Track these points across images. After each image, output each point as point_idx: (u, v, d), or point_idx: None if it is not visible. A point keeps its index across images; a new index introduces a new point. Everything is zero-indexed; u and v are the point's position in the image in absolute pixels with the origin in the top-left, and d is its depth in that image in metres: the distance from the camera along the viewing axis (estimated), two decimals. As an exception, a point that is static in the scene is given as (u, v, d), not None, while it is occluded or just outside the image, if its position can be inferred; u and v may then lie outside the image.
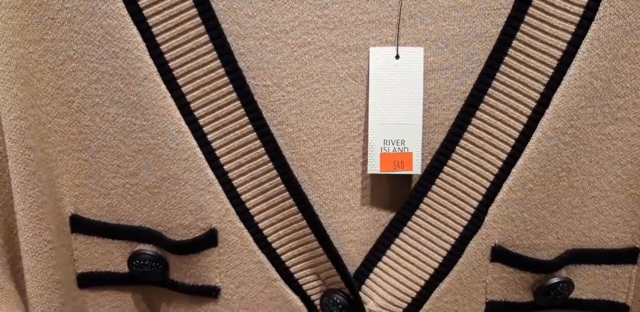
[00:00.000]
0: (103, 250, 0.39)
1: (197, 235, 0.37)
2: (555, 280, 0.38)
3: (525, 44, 0.34)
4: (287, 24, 0.35)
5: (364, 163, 0.38)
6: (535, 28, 0.34)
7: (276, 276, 0.38)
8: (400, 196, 0.38)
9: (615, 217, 0.38)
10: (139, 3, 0.33)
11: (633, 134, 0.36)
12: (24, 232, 0.34)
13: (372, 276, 0.38)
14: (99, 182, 0.37)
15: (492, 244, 0.38)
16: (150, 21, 0.33)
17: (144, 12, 0.33)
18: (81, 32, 0.34)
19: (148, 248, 0.38)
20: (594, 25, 0.33)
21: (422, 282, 0.38)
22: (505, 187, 0.36)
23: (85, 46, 0.34)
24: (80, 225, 0.37)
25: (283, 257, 0.38)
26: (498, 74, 0.35)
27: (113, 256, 0.39)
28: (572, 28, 0.34)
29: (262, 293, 0.38)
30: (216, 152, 0.35)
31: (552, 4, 0.33)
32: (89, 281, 0.38)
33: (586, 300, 0.40)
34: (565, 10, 0.33)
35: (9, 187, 0.34)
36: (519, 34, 0.34)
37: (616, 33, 0.34)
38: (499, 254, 0.38)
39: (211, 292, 0.38)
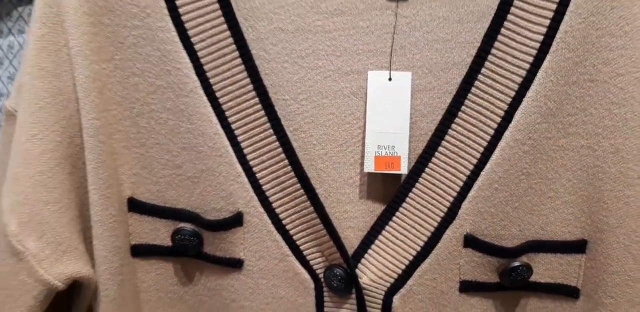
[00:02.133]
0: (152, 227, 0.46)
1: (226, 216, 0.44)
2: (516, 264, 0.43)
3: (492, 71, 0.41)
4: (302, 51, 0.42)
5: (362, 164, 0.44)
6: (501, 58, 0.40)
7: (288, 252, 0.44)
8: (390, 191, 0.44)
9: (567, 214, 0.43)
10: (188, 33, 0.41)
11: (582, 146, 0.42)
12: (94, 207, 0.42)
13: (366, 255, 0.44)
14: (151, 172, 0.45)
15: (465, 233, 0.43)
16: (197, 47, 0.41)
17: (192, 40, 0.41)
18: (143, 54, 0.42)
19: (188, 226, 0.45)
20: (548, 57, 0.40)
21: (407, 262, 0.43)
22: (475, 186, 0.42)
23: (145, 65, 0.42)
24: (135, 205, 0.45)
25: (294, 237, 0.44)
26: (470, 94, 0.41)
27: (159, 232, 0.46)
28: (530, 59, 0.40)
29: (277, 266, 0.45)
30: (244, 150, 0.43)
31: (513, 40, 0.40)
32: (140, 251, 0.46)
33: (544, 283, 0.44)
34: (524, 44, 0.40)
35: (84, 172, 0.42)
36: (487, 62, 0.41)
37: (567, 64, 0.40)
38: (470, 241, 0.43)
39: (236, 264, 0.45)
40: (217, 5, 0.40)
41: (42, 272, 0.40)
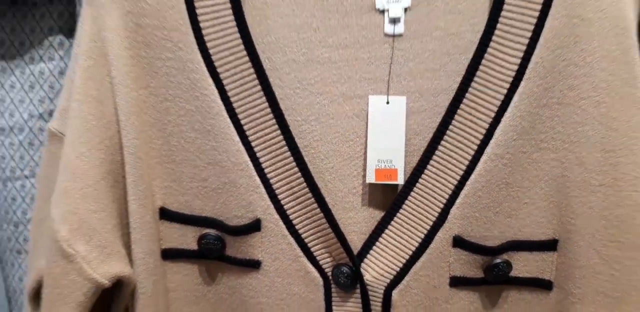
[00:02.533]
0: (180, 233, 0.51)
1: (246, 223, 0.49)
2: (497, 261, 0.49)
3: (475, 95, 0.47)
4: (312, 79, 0.48)
5: (364, 176, 0.50)
6: (482, 85, 0.47)
7: (300, 253, 0.49)
8: (389, 199, 0.50)
9: (540, 217, 0.49)
10: (215, 64, 0.47)
11: (552, 159, 0.48)
12: (133, 215, 0.47)
13: (368, 255, 0.50)
14: (180, 184, 0.50)
15: (453, 235, 0.49)
16: (222, 76, 0.47)
17: (218, 69, 0.47)
18: (174, 82, 0.48)
19: (212, 231, 0.50)
20: (522, 84, 0.46)
21: (404, 261, 0.49)
22: (462, 194, 0.48)
23: (176, 91, 0.48)
24: (165, 214, 0.50)
25: (306, 240, 0.49)
26: (456, 116, 0.47)
27: (187, 237, 0.51)
28: (507, 85, 0.46)
29: (290, 266, 0.50)
30: (262, 164, 0.48)
31: (493, 69, 0.46)
32: (169, 254, 0.51)
33: (522, 277, 0.50)
34: (502, 73, 0.46)
35: (123, 184, 0.47)
36: (470, 89, 0.47)
37: (538, 89, 0.46)
38: (458, 242, 0.49)
39: (255, 265, 0.50)
40: (240, 41, 0.46)
41: (91, 272, 0.45)
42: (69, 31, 0.62)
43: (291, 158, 0.48)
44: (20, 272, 0.65)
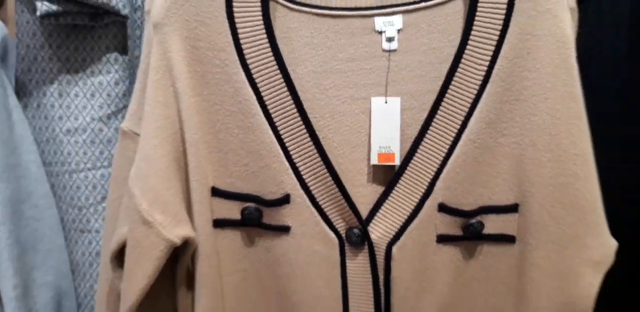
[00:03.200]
0: (227, 206, 0.61)
1: (279, 197, 0.60)
2: (473, 221, 0.60)
3: (452, 95, 0.59)
4: (327, 85, 0.61)
5: (369, 159, 0.61)
6: (458, 88, 0.59)
7: (321, 220, 0.60)
8: (388, 177, 0.61)
9: (505, 187, 0.60)
10: (253, 76, 0.59)
11: (512, 142, 0.60)
12: (194, 192, 0.59)
13: (373, 220, 0.61)
14: (226, 169, 0.61)
15: (438, 202, 0.60)
16: (259, 85, 0.59)
17: (256, 80, 0.59)
18: (222, 90, 0.60)
19: (252, 205, 0.61)
20: (488, 86, 0.58)
21: (401, 224, 0.60)
22: (444, 171, 0.59)
23: (224, 98, 0.60)
24: (216, 192, 0.61)
25: (325, 210, 0.60)
26: (439, 111, 0.60)
27: (232, 210, 0.61)
28: (477, 87, 0.58)
29: (313, 230, 0.61)
30: (290, 152, 0.60)
31: (466, 75, 0.59)
32: (219, 223, 0.62)
33: (492, 234, 0.61)
34: (473, 78, 0.58)
35: (186, 169, 0.59)
36: (449, 90, 0.59)
37: (500, 89, 0.59)
38: (442, 208, 0.60)
39: (285, 229, 0.61)
40: (272, 58, 0.59)
41: (166, 234, 0.57)
42: (122, 49, 0.74)
43: (313, 147, 0.60)
44: (83, 248, 0.77)
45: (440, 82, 0.60)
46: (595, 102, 0.64)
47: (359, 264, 0.62)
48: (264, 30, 0.59)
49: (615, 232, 0.61)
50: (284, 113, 0.60)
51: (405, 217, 0.61)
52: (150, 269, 0.56)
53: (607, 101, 0.73)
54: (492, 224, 0.62)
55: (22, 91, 0.76)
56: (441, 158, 0.60)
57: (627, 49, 0.72)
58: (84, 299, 0.78)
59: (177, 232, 0.57)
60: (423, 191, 0.61)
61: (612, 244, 0.60)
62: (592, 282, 0.59)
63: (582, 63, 0.60)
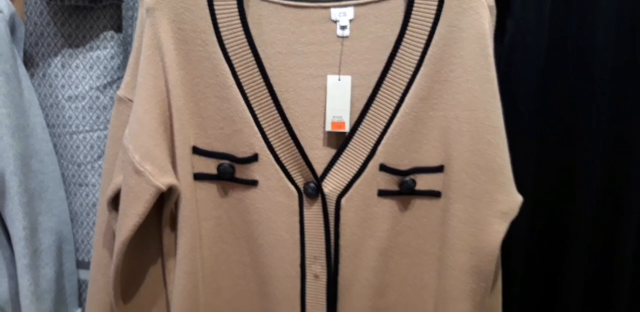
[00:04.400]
0: (205, 163, 0.71)
1: (249, 156, 0.70)
2: (407, 179, 0.71)
3: (392, 76, 0.70)
4: (291, 64, 0.71)
5: (324, 127, 0.72)
6: (397, 69, 0.70)
7: (283, 176, 0.71)
8: (340, 142, 0.72)
9: (434, 152, 0.71)
10: (229, 54, 0.69)
11: (440, 116, 0.70)
12: (177, 148, 0.69)
13: (326, 177, 0.71)
14: (205, 132, 0.71)
15: (380, 163, 0.71)
16: (234, 62, 0.69)
17: (231, 58, 0.69)
18: (202, 65, 0.70)
19: (226, 162, 0.71)
20: (421, 69, 0.69)
21: (348, 180, 0.71)
22: (384, 138, 0.70)
23: (204, 72, 0.70)
24: (196, 150, 0.71)
25: (287, 167, 0.71)
26: (381, 88, 0.70)
27: (209, 166, 0.71)
28: (412, 69, 0.69)
29: (277, 184, 0.71)
30: (259, 118, 0.69)
31: (403, 59, 0.69)
32: (198, 177, 0.72)
33: (422, 190, 0.72)
34: (409, 62, 0.69)
35: (171, 130, 0.69)
36: (390, 71, 0.70)
37: (432, 71, 0.69)
38: (383, 168, 0.71)
39: (254, 183, 0.71)
40: (245, 40, 0.69)
41: (154, 181, 0.67)
42: (117, 28, 0.84)
43: (277, 115, 0.71)
44: (81, 200, 0.88)
45: (383, 65, 0.71)
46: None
47: (314, 213, 0.73)
48: (238, 16, 0.69)
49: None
50: (254, 86, 0.71)
51: (353, 174, 0.73)
52: (140, 210, 0.68)
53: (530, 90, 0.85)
54: (423, 182, 0.73)
55: (29, 62, 0.85)
56: (382, 127, 0.72)
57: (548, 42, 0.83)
58: (81, 244, 0.89)
59: (164, 180, 0.69)
60: (367, 153, 0.72)
61: (518, 199, 0.72)
62: (498, 230, 0.70)
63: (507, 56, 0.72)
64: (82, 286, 0.89)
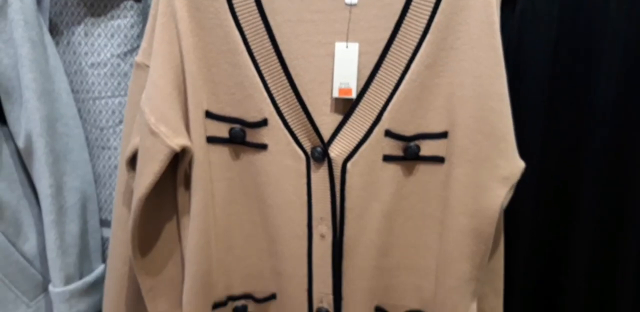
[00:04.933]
0: (217, 126, 0.74)
1: (259, 120, 0.73)
2: (411, 145, 0.73)
3: (399, 43, 0.72)
4: (300, 32, 0.73)
5: (332, 93, 0.74)
6: (403, 36, 0.71)
7: (292, 140, 0.73)
8: (347, 108, 0.73)
9: (439, 119, 0.72)
10: (240, 22, 0.71)
11: (446, 82, 0.71)
12: (191, 112, 0.72)
13: (334, 142, 0.73)
14: (217, 97, 0.74)
15: (385, 129, 0.72)
16: (244, 29, 0.71)
17: (242, 25, 0.71)
18: (215, 32, 0.72)
19: (237, 126, 0.74)
20: (428, 36, 0.70)
21: (355, 145, 0.73)
22: (390, 104, 0.72)
23: (216, 39, 0.73)
24: (209, 114, 0.74)
25: (295, 132, 0.73)
26: (387, 56, 0.72)
27: (222, 130, 0.74)
28: (418, 36, 0.70)
29: (285, 147, 0.74)
30: (268, 85, 0.72)
31: (410, 27, 0.71)
32: (211, 140, 0.74)
33: (426, 155, 0.73)
34: (415, 29, 0.70)
35: (185, 94, 0.72)
36: (396, 39, 0.71)
37: (438, 39, 0.70)
38: (388, 133, 0.73)
39: (264, 147, 0.74)
40: (256, 8, 0.71)
41: (169, 142, 0.70)
42: (137, -3, 0.88)
43: (286, 81, 0.73)
44: (104, 162, 0.93)
45: (389, 32, 0.72)
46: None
47: (320, 176, 0.76)
48: (249, -15, 0.72)
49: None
50: (263, 53, 0.73)
51: (359, 139, 0.74)
52: (156, 169, 0.71)
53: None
54: (427, 148, 0.75)
55: (54, 31, 0.89)
56: (388, 93, 0.74)
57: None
58: (104, 204, 0.94)
59: (177, 141, 0.72)
60: (373, 119, 0.74)
61: (520, 165, 0.73)
62: (499, 194, 0.72)
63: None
64: (105, 243, 0.94)
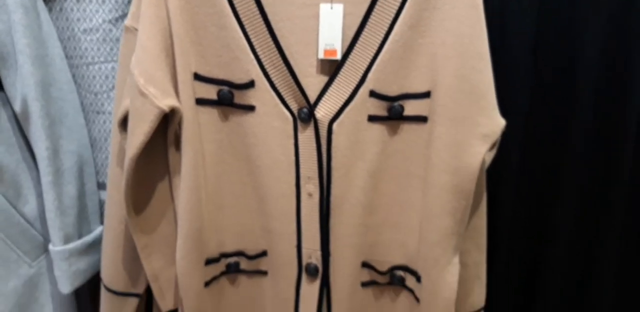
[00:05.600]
0: (206, 88, 0.76)
1: (246, 82, 0.75)
2: (395, 105, 0.74)
3: (382, 4, 0.72)
4: None
5: (317, 54, 0.75)
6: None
7: (279, 101, 0.75)
8: (332, 69, 0.75)
9: (422, 79, 0.73)
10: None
11: (428, 42, 0.72)
12: (179, 74, 0.73)
13: (319, 103, 0.75)
14: (205, 59, 0.76)
15: (369, 89, 0.74)
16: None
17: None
18: (205, 5, 0.74)
19: (225, 88, 0.76)
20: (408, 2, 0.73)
21: (340, 105, 0.74)
22: (375, 64, 0.73)
23: (202, 1, 0.73)
24: (197, 77, 0.76)
25: (282, 93, 0.75)
26: (371, 17, 0.73)
27: (210, 92, 0.76)
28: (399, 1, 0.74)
29: (273, 109, 0.75)
30: (255, 47, 0.73)
31: None
32: (200, 101, 0.76)
33: (410, 115, 0.75)
34: None
35: (173, 55, 0.74)
36: (379, 1, 0.75)
37: (417, 5, 0.73)
38: (373, 94, 0.74)
39: (251, 108, 0.76)
40: None
41: (158, 103, 0.72)
42: (127, -36, 0.89)
43: (272, 43, 0.74)
44: (99, 127, 0.95)
45: None
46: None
47: (307, 137, 0.78)
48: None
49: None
50: (249, 15, 0.74)
51: (344, 100, 0.76)
52: (146, 129, 0.73)
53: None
54: (411, 108, 0.76)
55: (46, -3, 0.91)
56: (372, 54, 0.75)
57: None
58: (101, 167, 0.96)
59: (166, 102, 0.74)
60: (358, 80, 0.75)
61: (500, 122, 0.74)
62: (479, 151, 0.73)
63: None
64: (103, 206, 0.97)
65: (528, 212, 0.91)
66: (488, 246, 0.84)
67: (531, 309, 0.93)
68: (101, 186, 0.97)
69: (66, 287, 0.90)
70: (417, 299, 0.82)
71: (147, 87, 0.73)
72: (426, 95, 0.76)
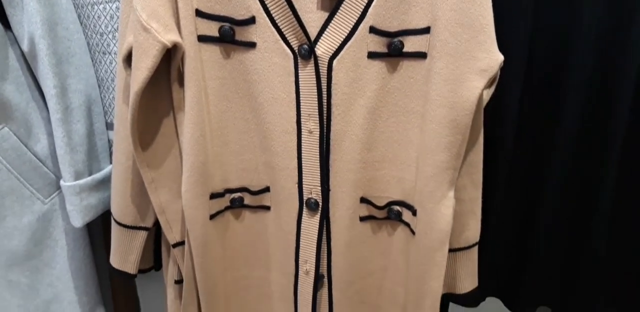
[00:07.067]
0: (208, 25, 0.76)
1: (247, 18, 0.75)
2: (395, 41, 0.74)
3: None
4: None
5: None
6: None
7: (279, 38, 0.75)
8: (333, 5, 0.75)
9: (422, 14, 0.72)
10: None
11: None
12: (181, 10, 0.74)
13: (320, 39, 0.75)
14: None
15: (369, 25, 0.74)
16: None
17: None
18: None
19: (227, 25, 0.75)
20: None
21: (340, 42, 0.75)
22: (375, 0, 0.75)
23: None
24: (199, 13, 0.75)
25: (282, 30, 0.75)
26: None
27: (212, 28, 0.76)
28: None
29: (274, 45, 0.76)
30: None
31: None
32: (202, 38, 0.77)
33: (410, 51, 0.75)
34: None
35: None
36: None
37: None
38: (372, 30, 0.75)
39: (252, 45, 0.77)
40: None
41: (160, 38, 0.72)
42: None
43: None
44: (105, 67, 0.96)
45: None
46: None
47: (308, 73, 0.79)
48: None
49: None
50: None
51: (344, 37, 0.77)
52: (149, 64, 0.75)
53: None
54: (410, 44, 0.77)
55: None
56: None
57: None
58: (109, 107, 0.98)
59: (168, 37, 0.75)
60: (358, 15, 0.76)
61: (498, 57, 0.74)
62: (477, 86, 0.74)
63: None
64: (112, 146, 0.99)
65: (525, 152, 0.92)
66: (484, 184, 0.86)
67: (527, 245, 0.96)
68: (109, 126, 0.99)
69: (78, 221, 0.94)
70: (413, 232, 0.84)
71: (150, 22, 0.74)
72: (426, 30, 0.76)
